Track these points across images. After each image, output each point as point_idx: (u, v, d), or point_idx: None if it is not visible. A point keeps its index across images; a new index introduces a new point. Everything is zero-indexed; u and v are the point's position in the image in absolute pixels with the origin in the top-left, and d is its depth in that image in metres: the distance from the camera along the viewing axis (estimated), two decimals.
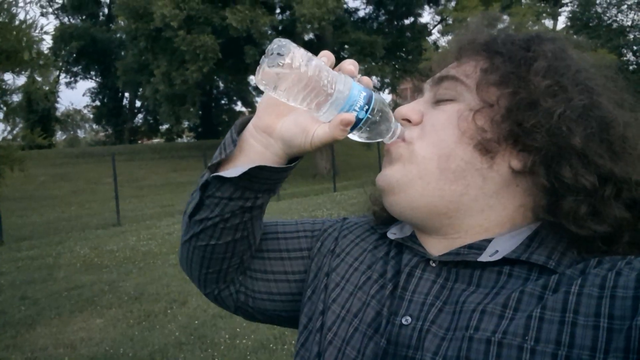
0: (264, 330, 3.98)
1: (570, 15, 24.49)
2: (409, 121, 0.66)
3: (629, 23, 22.64)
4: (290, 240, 0.80)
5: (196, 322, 4.32)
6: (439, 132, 0.62)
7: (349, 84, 0.58)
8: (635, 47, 22.54)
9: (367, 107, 0.58)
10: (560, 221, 0.55)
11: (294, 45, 0.57)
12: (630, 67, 21.83)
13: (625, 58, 22.17)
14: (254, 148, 0.65)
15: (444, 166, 0.60)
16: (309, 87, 0.57)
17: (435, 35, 25.97)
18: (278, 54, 0.55)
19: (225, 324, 4.20)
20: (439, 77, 0.66)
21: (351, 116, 0.57)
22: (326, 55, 0.60)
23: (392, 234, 0.70)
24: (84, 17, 35.31)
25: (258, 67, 0.57)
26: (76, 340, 4.05)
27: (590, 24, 22.70)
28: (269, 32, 18.88)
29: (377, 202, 0.75)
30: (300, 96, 0.58)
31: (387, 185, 0.64)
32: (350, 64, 0.61)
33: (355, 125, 0.59)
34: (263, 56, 0.57)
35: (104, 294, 5.23)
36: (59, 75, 35.90)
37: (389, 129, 0.62)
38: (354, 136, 0.62)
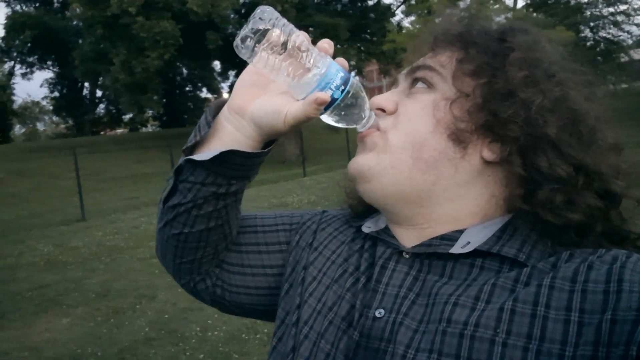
0: (235, 321, 3.96)
1: None
2: (383, 111, 0.65)
3: (586, 0, 23.18)
4: (269, 234, 0.79)
5: (166, 316, 4.27)
6: (413, 121, 0.62)
7: (327, 62, 0.58)
8: (592, 24, 23.13)
9: (343, 87, 0.57)
10: (536, 210, 0.56)
11: (278, 14, 0.57)
12: (588, 44, 22.42)
13: (582, 35, 22.74)
14: (227, 130, 0.65)
15: (417, 156, 0.60)
16: (286, 57, 0.56)
17: (399, 16, 26.00)
18: (260, 18, 0.55)
19: (196, 316, 4.16)
20: (414, 66, 0.66)
21: (326, 95, 0.56)
22: (303, 34, 0.59)
23: (367, 227, 0.69)
24: (36, 4, 33.84)
25: (239, 32, 0.56)
26: (41, 342, 3.93)
27: (549, 2, 23.14)
28: (231, 15, 18.54)
29: (352, 195, 0.75)
30: (277, 66, 0.57)
31: (358, 173, 0.64)
32: (325, 43, 0.60)
33: (330, 105, 0.57)
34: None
35: (69, 293, 5.09)
36: (13, 67, 34.49)
37: (363, 116, 0.61)
38: (327, 119, 0.60)
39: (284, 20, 0.56)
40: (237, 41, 0.56)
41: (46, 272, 5.93)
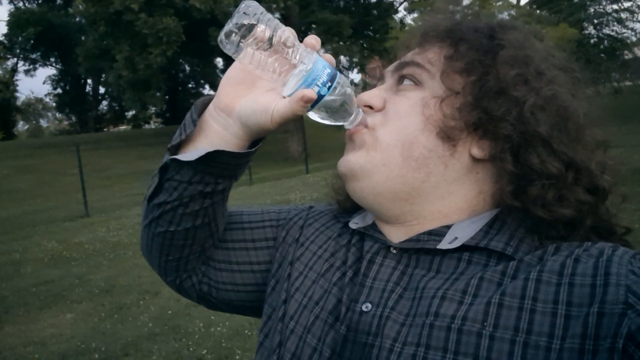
0: (238, 317, 3.97)
1: None
2: (371, 108, 0.65)
3: None
4: (255, 230, 0.78)
5: (169, 312, 4.30)
6: (403, 119, 0.61)
7: (313, 58, 0.57)
8: (595, 21, 23.00)
9: (329, 84, 0.57)
10: (527, 206, 0.56)
11: (262, 9, 0.56)
12: (592, 41, 22.30)
13: (586, 32, 22.63)
14: (213, 128, 0.64)
15: (407, 154, 0.60)
16: (272, 53, 0.55)
17: (401, 13, 25.92)
18: (244, 13, 0.54)
19: (199, 312, 4.19)
20: (401, 63, 0.65)
21: (312, 92, 0.55)
22: (289, 29, 0.59)
23: (354, 223, 0.70)
24: (39, 1, 33.90)
25: (224, 27, 0.55)
26: (46, 337, 3.97)
27: None
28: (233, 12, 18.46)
29: (340, 191, 0.75)
30: (262, 62, 0.56)
31: (349, 171, 0.64)
32: (312, 39, 0.60)
33: (316, 102, 0.57)
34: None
35: (74, 288, 5.13)
36: (16, 64, 34.56)
37: (350, 113, 0.60)
38: (314, 115, 0.60)
39: (269, 15, 0.56)
40: (222, 36, 0.55)
41: (51, 268, 5.97)
